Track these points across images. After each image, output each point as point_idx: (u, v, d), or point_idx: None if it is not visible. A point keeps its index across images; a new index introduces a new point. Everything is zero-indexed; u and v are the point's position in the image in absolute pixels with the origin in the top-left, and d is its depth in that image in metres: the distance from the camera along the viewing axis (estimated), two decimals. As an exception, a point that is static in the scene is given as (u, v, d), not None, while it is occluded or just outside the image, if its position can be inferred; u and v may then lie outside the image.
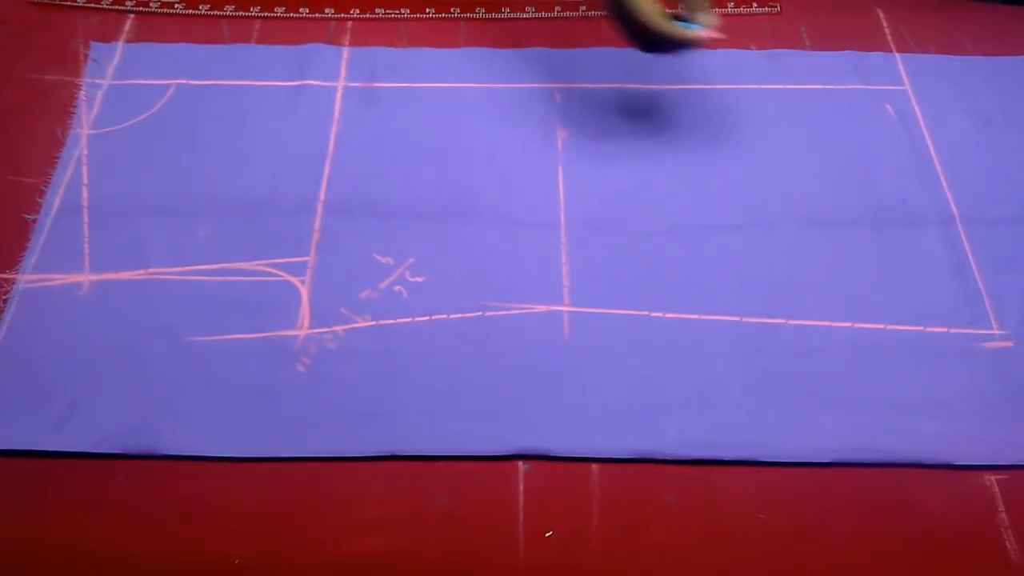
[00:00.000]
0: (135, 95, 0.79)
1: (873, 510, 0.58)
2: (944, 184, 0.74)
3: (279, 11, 0.86)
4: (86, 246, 0.69)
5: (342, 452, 0.60)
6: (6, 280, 0.67)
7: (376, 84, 0.80)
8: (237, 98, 0.79)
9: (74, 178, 0.73)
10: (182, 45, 0.83)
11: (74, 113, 0.77)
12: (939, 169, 0.75)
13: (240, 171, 0.74)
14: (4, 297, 0.66)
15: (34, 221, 0.70)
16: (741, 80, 0.81)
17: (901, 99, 0.80)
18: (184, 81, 0.80)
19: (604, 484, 0.59)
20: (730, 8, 0.87)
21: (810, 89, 0.80)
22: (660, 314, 0.66)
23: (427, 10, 0.87)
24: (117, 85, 0.79)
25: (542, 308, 0.67)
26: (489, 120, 0.78)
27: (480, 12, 0.87)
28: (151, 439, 0.59)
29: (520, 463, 0.60)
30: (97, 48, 0.82)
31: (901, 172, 0.75)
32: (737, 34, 0.83)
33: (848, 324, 0.66)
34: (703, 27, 0.62)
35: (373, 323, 0.66)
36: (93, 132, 0.76)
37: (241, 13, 0.86)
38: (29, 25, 0.84)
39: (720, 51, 0.84)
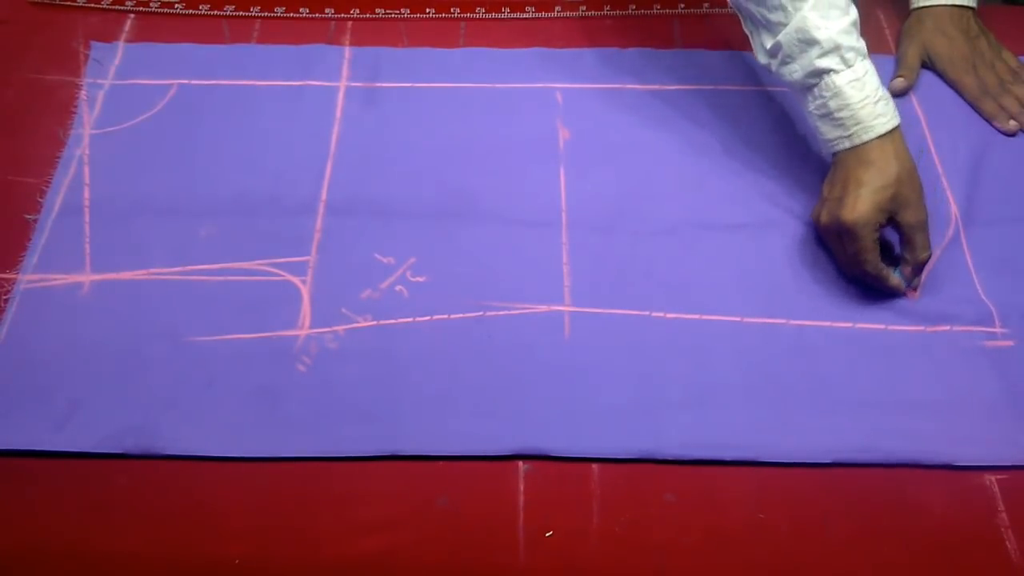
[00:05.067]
0: (136, 95, 0.79)
1: (873, 510, 0.58)
2: (945, 184, 0.74)
3: (279, 11, 0.86)
4: (87, 246, 0.69)
5: (342, 452, 0.60)
6: (7, 280, 0.67)
7: (378, 84, 0.80)
8: (239, 98, 0.79)
9: (75, 178, 0.73)
10: (184, 45, 0.83)
11: (75, 113, 0.77)
12: (940, 170, 0.75)
13: (241, 171, 0.74)
14: (5, 297, 0.66)
15: (35, 221, 0.70)
16: (742, 81, 0.81)
17: (903, 101, 0.80)
18: (186, 81, 0.80)
19: (604, 484, 0.59)
20: (731, 9, 0.87)
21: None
22: (660, 314, 0.66)
23: (427, 10, 0.87)
24: (118, 85, 0.79)
25: (543, 308, 0.67)
26: (491, 120, 0.78)
27: (480, 12, 0.87)
28: (151, 439, 0.59)
29: (520, 463, 0.60)
30: (98, 48, 0.82)
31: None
32: (739, 35, 0.83)
33: (849, 324, 0.66)
34: (906, 282, 0.67)
35: (374, 323, 0.66)
36: (95, 132, 0.76)
37: (241, 13, 0.86)
38: (29, 25, 0.84)
39: (721, 52, 0.84)
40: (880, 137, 0.64)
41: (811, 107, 0.67)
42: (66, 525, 0.57)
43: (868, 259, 0.65)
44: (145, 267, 0.68)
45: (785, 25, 0.65)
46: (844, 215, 0.64)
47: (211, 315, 0.65)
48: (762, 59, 0.69)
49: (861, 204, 0.64)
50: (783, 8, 0.65)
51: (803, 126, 0.77)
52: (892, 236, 0.69)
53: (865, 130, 0.64)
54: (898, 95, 0.81)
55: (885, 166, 0.64)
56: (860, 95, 0.64)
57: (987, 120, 0.79)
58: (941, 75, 0.82)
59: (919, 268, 0.67)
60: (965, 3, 0.82)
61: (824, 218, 0.66)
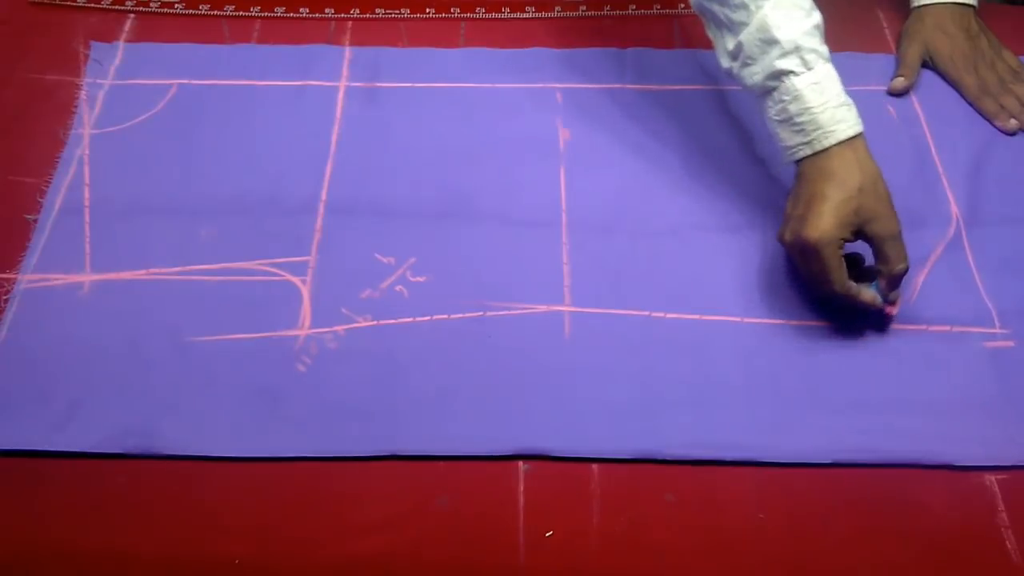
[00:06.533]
0: (137, 95, 0.79)
1: (873, 510, 0.58)
2: (945, 184, 0.74)
3: (279, 11, 0.86)
4: (87, 246, 0.69)
5: (342, 452, 0.60)
6: (7, 280, 0.67)
7: (378, 84, 0.80)
8: (239, 98, 0.79)
9: (75, 178, 0.73)
10: (184, 45, 0.83)
11: (75, 113, 0.77)
12: (940, 170, 0.75)
13: (242, 171, 0.74)
14: (5, 297, 0.66)
15: (35, 221, 0.70)
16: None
17: (903, 101, 0.81)
18: (186, 81, 0.80)
19: (604, 484, 0.59)
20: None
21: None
22: (660, 314, 0.66)
23: (427, 10, 0.87)
24: (119, 85, 0.79)
25: (543, 308, 0.67)
26: (491, 120, 0.78)
27: (480, 12, 0.87)
28: (151, 439, 0.59)
29: (520, 463, 0.60)
30: (98, 48, 0.82)
31: (903, 173, 0.74)
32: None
33: (849, 324, 0.66)
34: (883, 296, 0.64)
35: (374, 323, 0.66)
36: (95, 132, 0.76)
37: (241, 13, 0.86)
38: (29, 25, 0.84)
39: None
40: (841, 144, 0.62)
41: (771, 112, 0.64)
42: (66, 525, 0.57)
43: (833, 278, 0.62)
44: (145, 267, 0.68)
45: (747, 25, 0.63)
46: (806, 233, 0.61)
47: (211, 315, 0.65)
48: (724, 63, 0.67)
49: (823, 221, 0.61)
50: (745, 7, 0.63)
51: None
52: (863, 247, 0.66)
53: (825, 135, 0.62)
54: (898, 94, 0.81)
55: (846, 177, 0.61)
56: (820, 99, 0.62)
57: (988, 119, 0.79)
58: (942, 74, 0.82)
59: (895, 281, 0.63)
60: (966, 1, 0.82)
61: (787, 237, 0.63)
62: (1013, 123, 0.78)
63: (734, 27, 0.64)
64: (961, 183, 0.74)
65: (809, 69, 0.62)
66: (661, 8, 0.88)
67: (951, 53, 0.81)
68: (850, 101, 0.63)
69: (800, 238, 0.62)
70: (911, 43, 0.82)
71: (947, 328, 0.66)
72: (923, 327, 0.66)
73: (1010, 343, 0.65)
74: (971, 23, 0.82)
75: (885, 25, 0.87)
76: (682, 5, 0.88)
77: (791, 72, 0.62)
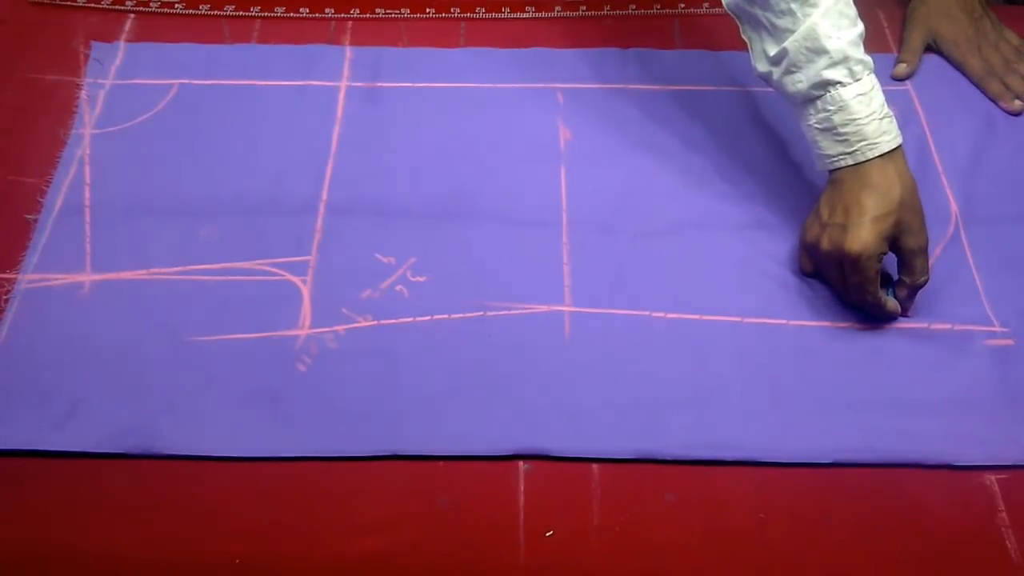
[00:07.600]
0: (137, 95, 0.79)
1: (873, 510, 0.58)
2: (945, 183, 0.74)
3: (279, 11, 0.86)
4: (87, 246, 0.69)
5: (342, 452, 0.60)
6: (7, 280, 0.67)
7: (379, 84, 0.80)
8: (240, 98, 0.79)
9: (76, 178, 0.73)
10: (185, 45, 0.83)
11: (75, 113, 0.77)
12: (940, 168, 0.75)
13: (242, 171, 0.74)
14: (5, 297, 0.66)
15: (35, 221, 0.70)
16: (743, 81, 0.81)
17: (903, 99, 0.80)
18: (187, 81, 0.80)
19: (604, 484, 0.59)
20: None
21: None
22: (661, 314, 0.66)
23: (427, 10, 0.87)
24: (119, 85, 0.79)
25: (543, 308, 0.67)
26: (491, 120, 0.78)
27: (480, 12, 0.87)
28: (151, 439, 0.59)
29: (520, 463, 0.60)
30: (99, 48, 0.82)
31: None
32: (739, 36, 0.83)
33: (849, 324, 0.66)
34: (897, 306, 0.66)
35: (374, 323, 0.66)
36: (95, 132, 0.76)
37: (241, 13, 0.86)
38: (29, 25, 0.84)
39: (721, 52, 0.84)
40: (883, 156, 0.62)
41: (812, 120, 0.64)
42: (66, 525, 0.57)
43: (870, 290, 0.63)
44: (145, 267, 0.68)
45: (792, 32, 0.62)
46: (848, 245, 0.62)
47: (211, 315, 0.65)
48: (762, 67, 0.66)
49: (865, 234, 0.61)
50: (792, 14, 0.62)
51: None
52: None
53: (870, 147, 0.62)
54: (900, 79, 0.81)
55: (888, 190, 0.61)
56: (866, 110, 0.61)
57: (992, 100, 0.79)
58: (946, 57, 0.82)
59: (915, 291, 0.65)
60: None
61: (825, 245, 0.63)
62: (1018, 104, 0.78)
63: (777, 33, 0.63)
64: (960, 182, 0.74)
65: (856, 80, 0.62)
66: (661, 8, 0.88)
67: (955, 36, 0.81)
68: (891, 113, 0.63)
69: (841, 249, 0.62)
70: (915, 27, 0.82)
71: (947, 327, 0.66)
72: (923, 326, 0.66)
73: (1010, 341, 0.65)
74: (975, 4, 0.82)
75: (885, 25, 0.87)
76: (682, 5, 0.88)
77: (838, 83, 0.61)
